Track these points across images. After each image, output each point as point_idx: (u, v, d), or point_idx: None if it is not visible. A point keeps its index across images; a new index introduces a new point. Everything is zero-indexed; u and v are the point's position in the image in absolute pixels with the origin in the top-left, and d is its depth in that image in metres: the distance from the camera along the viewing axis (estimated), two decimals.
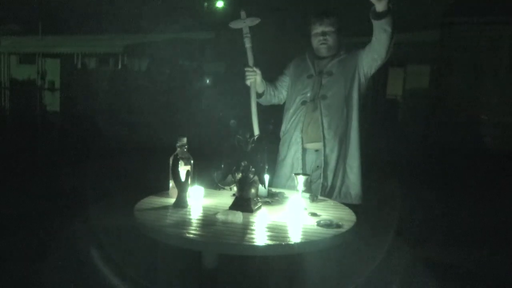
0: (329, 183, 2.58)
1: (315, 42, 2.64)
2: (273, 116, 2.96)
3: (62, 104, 12.82)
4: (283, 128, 2.75)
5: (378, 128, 10.12)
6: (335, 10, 2.67)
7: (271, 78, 2.85)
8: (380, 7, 2.34)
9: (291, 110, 2.69)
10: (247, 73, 2.68)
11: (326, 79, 2.60)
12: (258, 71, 2.69)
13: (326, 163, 2.57)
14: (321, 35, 2.61)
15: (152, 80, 10.91)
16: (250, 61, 2.65)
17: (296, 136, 2.63)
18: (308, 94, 2.62)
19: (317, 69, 2.65)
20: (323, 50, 2.63)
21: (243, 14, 2.58)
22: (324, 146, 2.57)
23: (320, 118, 2.57)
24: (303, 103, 2.63)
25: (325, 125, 2.57)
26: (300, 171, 2.60)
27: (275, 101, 2.85)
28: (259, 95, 2.76)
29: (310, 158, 2.63)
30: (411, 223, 4.27)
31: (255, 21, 2.59)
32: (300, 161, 2.62)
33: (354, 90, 2.60)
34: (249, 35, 2.62)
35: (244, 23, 2.59)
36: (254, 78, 2.68)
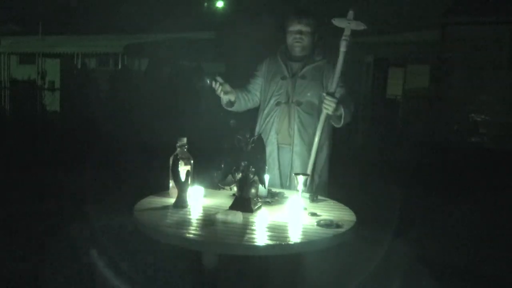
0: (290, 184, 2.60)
1: (290, 39, 2.62)
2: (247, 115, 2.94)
3: (62, 104, 12.82)
4: (257, 128, 2.75)
5: (378, 128, 10.13)
6: (314, 12, 2.64)
7: (241, 83, 2.76)
8: (337, 124, 2.53)
9: (266, 111, 2.70)
10: (325, 104, 2.43)
11: (300, 82, 2.60)
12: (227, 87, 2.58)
13: (292, 167, 2.62)
14: (297, 33, 2.59)
15: (152, 80, 10.91)
16: (338, 67, 2.45)
17: (272, 137, 2.66)
18: (283, 96, 2.63)
19: (291, 71, 2.64)
20: (297, 49, 2.62)
21: (350, 14, 2.42)
22: (292, 151, 2.62)
23: (292, 122, 2.60)
24: (278, 104, 2.64)
25: (296, 130, 2.60)
26: (277, 171, 2.64)
27: (250, 105, 2.80)
28: (230, 104, 2.69)
29: (286, 155, 2.66)
30: (410, 223, 4.27)
31: (360, 26, 2.43)
32: (276, 161, 2.66)
33: None
34: (348, 38, 2.42)
35: (348, 24, 2.44)
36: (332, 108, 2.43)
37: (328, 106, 2.43)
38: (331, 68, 2.60)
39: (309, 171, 2.53)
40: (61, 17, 14.56)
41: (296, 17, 2.61)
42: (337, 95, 2.55)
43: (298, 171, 2.57)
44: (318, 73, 2.63)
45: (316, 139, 2.55)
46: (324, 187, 2.69)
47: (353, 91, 2.66)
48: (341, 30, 2.48)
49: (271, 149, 2.66)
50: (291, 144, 2.62)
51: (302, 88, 2.59)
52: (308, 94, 2.58)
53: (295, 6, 2.64)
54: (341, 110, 2.44)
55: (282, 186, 2.62)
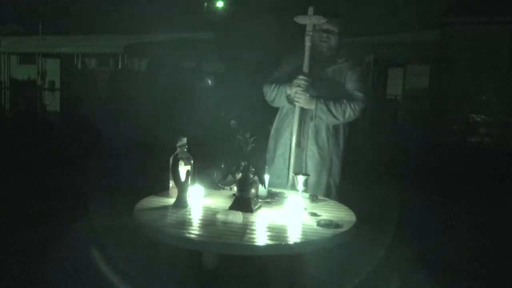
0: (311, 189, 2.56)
1: (317, 38, 2.57)
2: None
3: (62, 104, 12.83)
4: (274, 126, 2.73)
5: (378, 128, 10.13)
6: (343, 13, 2.64)
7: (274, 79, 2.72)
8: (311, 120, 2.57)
9: (284, 110, 2.68)
10: (298, 81, 2.47)
11: (320, 84, 2.56)
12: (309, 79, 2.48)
13: (306, 170, 2.60)
14: (325, 32, 2.56)
15: (152, 80, 10.92)
16: (306, 62, 2.49)
17: (286, 138, 2.64)
18: None
19: (312, 71, 2.58)
20: (322, 49, 2.58)
21: (310, 10, 2.48)
22: (306, 153, 2.60)
23: (307, 125, 2.58)
24: (294, 106, 2.59)
25: (310, 133, 2.59)
26: (286, 171, 2.61)
27: None
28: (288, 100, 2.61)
29: (298, 157, 2.62)
30: (410, 223, 4.27)
31: (321, 20, 2.49)
32: (287, 161, 2.62)
33: None
34: (311, 33, 2.48)
35: (309, 20, 2.49)
36: (305, 87, 2.47)
37: (298, 99, 2.48)
38: (351, 71, 2.59)
39: (291, 172, 2.54)
40: (61, 17, 14.57)
41: (326, 16, 2.55)
42: (342, 95, 2.53)
43: (311, 173, 2.54)
44: (338, 75, 2.60)
45: (294, 137, 2.54)
46: (338, 190, 2.67)
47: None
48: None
49: (283, 150, 2.64)
50: (305, 147, 2.59)
51: (321, 90, 2.54)
52: (326, 97, 2.53)
53: (324, 5, 2.62)
54: (313, 106, 2.48)
55: (292, 187, 2.56)
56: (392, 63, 12.07)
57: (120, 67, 12.58)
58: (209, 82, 10.95)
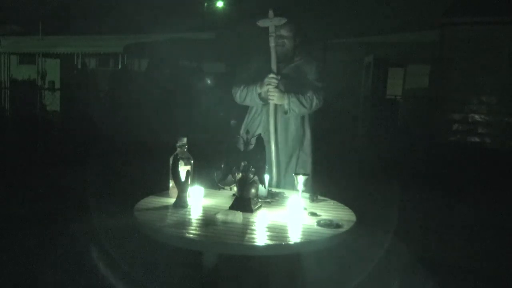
0: (278, 179, 2.70)
1: (274, 42, 2.72)
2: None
3: (62, 104, 12.83)
4: (244, 126, 2.85)
5: (378, 128, 10.13)
6: (294, 18, 2.76)
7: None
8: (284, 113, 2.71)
9: (254, 109, 2.83)
10: (269, 80, 2.62)
11: (283, 82, 2.69)
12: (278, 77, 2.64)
13: (277, 162, 2.70)
14: (280, 38, 2.72)
15: (152, 80, 10.91)
16: (273, 61, 2.64)
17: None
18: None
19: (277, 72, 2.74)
20: (280, 52, 2.73)
21: (270, 13, 2.61)
22: (277, 148, 2.70)
23: (277, 121, 2.70)
24: (265, 103, 2.73)
25: (279, 129, 2.71)
26: (274, 166, 2.68)
27: None
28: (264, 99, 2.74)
29: (270, 152, 2.72)
30: (410, 223, 4.27)
31: (282, 21, 2.63)
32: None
33: None
34: (274, 34, 2.63)
35: (271, 22, 2.62)
36: (276, 85, 2.62)
37: (272, 96, 2.63)
38: (308, 66, 2.79)
39: (274, 167, 2.65)
40: (61, 17, 14.55)
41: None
42: (306, 88, 2.68)
43: (282, 163, 2.70)
44: (297, 73, 2.78)
45: (273, 134, 2.65)
46: (307, 182, 2.75)
47: (329, 90, 2.79)
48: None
49: None
50: (275, 142, 2.71)
51: (285, 87, 2.69)
52: (293, 91, 2.68)
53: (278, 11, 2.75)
54: (286, 100, 2.63)
55: (277, 184, 2.67)
56: (392, 63, 12.07)
57: (120, 67, 12.58)
58: (209, 82, 10.94)
